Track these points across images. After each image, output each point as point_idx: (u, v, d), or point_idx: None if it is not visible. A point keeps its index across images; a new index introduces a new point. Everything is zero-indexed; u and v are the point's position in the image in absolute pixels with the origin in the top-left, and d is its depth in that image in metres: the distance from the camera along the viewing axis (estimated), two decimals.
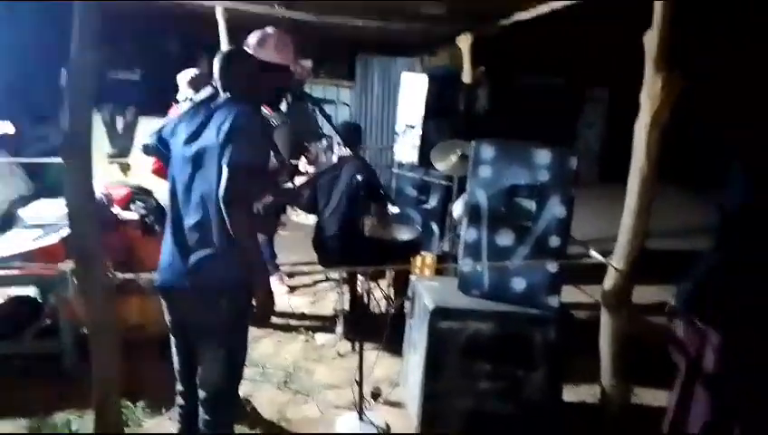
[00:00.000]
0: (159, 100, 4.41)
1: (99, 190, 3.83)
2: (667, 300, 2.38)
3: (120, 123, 6.15)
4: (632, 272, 2.54)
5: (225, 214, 1.85)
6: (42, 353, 3.02)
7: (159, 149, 2.17)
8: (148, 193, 4.21)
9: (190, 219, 1.96)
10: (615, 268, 2.55)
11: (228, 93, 2.06)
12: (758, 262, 2.13)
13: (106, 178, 4.80)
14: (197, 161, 1.97)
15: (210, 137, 1.95)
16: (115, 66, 6.44)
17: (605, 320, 2.70)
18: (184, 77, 3.42)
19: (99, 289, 2.07)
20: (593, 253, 2.69)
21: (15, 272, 2.94)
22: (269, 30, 2.32)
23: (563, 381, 2.81)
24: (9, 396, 2.79)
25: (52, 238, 3.05)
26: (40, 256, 2.95)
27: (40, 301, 3.25)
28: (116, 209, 3.88)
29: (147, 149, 2.29)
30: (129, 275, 2.21)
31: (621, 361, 2.71)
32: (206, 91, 2.78)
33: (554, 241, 2.66)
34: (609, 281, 2.64)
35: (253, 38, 2.27)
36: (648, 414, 3.04)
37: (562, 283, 2.73)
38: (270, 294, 2.02)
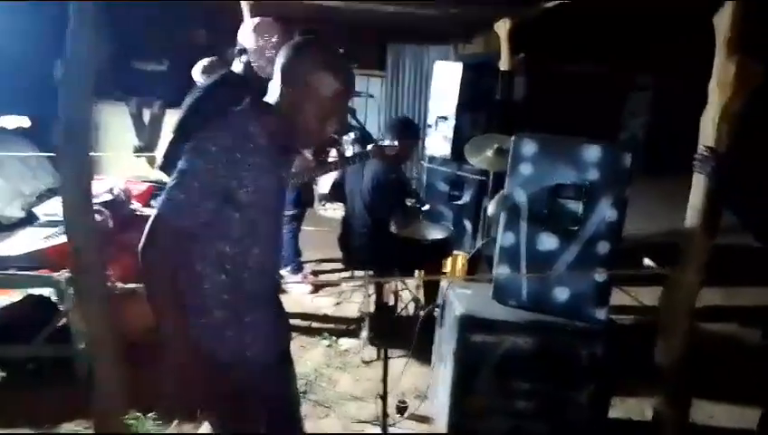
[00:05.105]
0: (187, 92, 4.27)
1: (117, 186, 3.72)
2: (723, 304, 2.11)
3: (146, 116, 6.05)
4: (699, 283, 2.23)
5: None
6: (55, 358, 2.90)
7: None
8: None
9: None
10: (678, 279, 2.25)
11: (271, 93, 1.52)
12: None
13: (132, 173, 4.70)
14: None
15: None
16: (142, 58, 6.34)
17: (664, 334, 2.40)
18: (197, 68, 3.24)
19: (98, 297, 1.89)
20: (649, 261, 2.39)
21: (24, 272, 2.81)
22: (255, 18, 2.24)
23: (610, 401, 2.53)
24: (18, 403, 2.67)
25: (64, 238, 2.91)
26: (51, 255, 2.82)
27: (55, 301, 3.12)
28: (135, 205, 3.76)
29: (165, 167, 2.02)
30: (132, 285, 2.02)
31: (682, 379, 2.41)
32: (214, 77, 2.60)
33: (603, 247, 2.37)
34: (670, 292, 2.33)
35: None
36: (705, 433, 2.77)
37: (611, 293, 2.45)
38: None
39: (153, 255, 1.41)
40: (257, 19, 2.41)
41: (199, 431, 2.53)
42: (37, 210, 3.40)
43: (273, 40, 2.38)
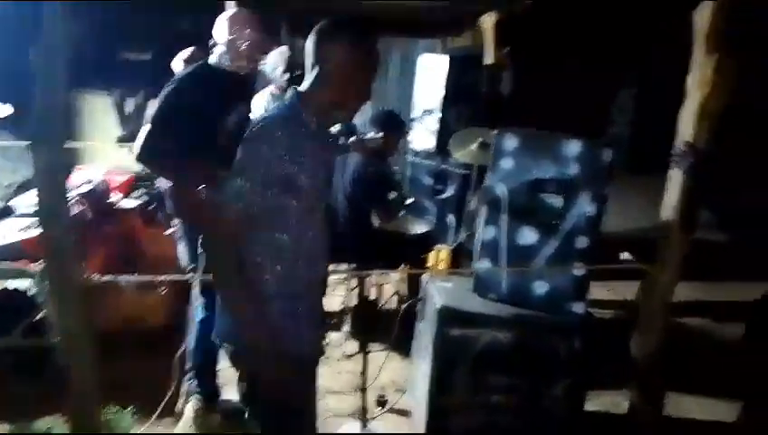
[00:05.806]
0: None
1: (97, 177, 3.68)
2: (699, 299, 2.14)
3: (130, 106, 5.97)
4: (675, 278, 2.26)
5: None
6: (32, 351, 2.86)
7: None
8: (152, 179, 4.03)
9: None
10: (655, 275, 2.27)
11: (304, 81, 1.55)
12: None
13: (115, 163, 4.63)
14: None
15: None
16: (125, 47, 6.26)
17: (641, 328, 2.43)
18: (178, 58, 3.19)
19: (71, 291, 1.87)
20: (627, 255, 2.41)
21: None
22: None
23: (586, 394, 2.56)
24: None
25: (40, 229, 2.87)
26: (27, 247, 2.78)
27: (33, 294, 3.08)
28: (116, 196, 3.72)
29: None
30: (107, 277, 2.00)
31: (657, 372, 2.44)
32: (190, 67, 2.57)
33: (582, 242, 2.38)
34: (648, 287, 2.35)
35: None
36: (679, 425, 2.80)
37: (589, 288, 2.47)
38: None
39: (218, 244, 1.47)
40: (232, 10, 2.35)
41: (177, 428, 2.52)
42: (15, 202, 3.35)
43: (246, 33, 2.33)
